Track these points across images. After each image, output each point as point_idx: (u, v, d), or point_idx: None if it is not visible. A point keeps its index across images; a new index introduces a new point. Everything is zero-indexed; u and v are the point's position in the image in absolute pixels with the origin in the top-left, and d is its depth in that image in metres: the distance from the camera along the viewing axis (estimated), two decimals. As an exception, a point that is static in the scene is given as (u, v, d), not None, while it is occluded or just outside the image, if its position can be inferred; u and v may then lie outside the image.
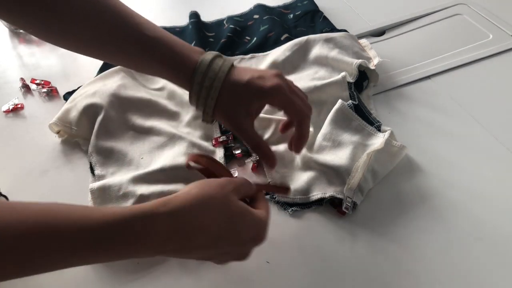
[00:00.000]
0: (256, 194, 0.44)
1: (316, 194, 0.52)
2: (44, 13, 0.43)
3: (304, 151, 0.54)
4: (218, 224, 0.37)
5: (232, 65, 0.46)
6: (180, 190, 0.39)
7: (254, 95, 0.45)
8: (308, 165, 0.55)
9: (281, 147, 0.57)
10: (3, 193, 0.54)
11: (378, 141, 0.55)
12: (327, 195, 0.51)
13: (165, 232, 0.35)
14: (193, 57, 0.45)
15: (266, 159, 0.48)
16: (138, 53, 0.46)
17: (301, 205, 0.52)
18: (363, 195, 0.52)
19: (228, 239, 0.38)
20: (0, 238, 0.30)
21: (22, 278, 0.36)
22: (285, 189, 0.50)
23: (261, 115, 0.59)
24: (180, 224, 0.36)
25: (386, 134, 0.55)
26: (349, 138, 0.55)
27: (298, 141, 0.49)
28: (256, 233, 0.40)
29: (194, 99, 0.46)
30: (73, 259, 0.34)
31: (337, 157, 0.53)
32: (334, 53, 0.65)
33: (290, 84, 0.47)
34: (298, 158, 0.55)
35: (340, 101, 0.58)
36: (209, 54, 0.46)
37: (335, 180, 0.52)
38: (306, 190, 0.53)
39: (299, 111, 0.47)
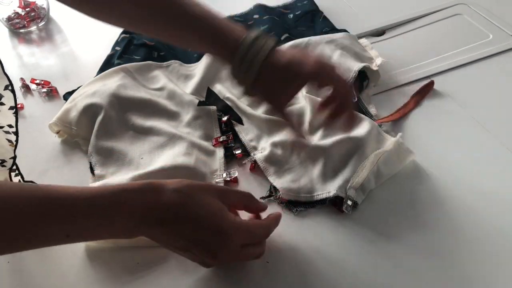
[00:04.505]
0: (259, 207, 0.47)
1: (320, 194, 0.52)
2: None
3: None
4: (179, 204, 0.41)
5: (274, 47, 0.48)
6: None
7: (291, 79, 0.48)
8: (314, 154, 0.55)
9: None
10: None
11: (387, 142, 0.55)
12: (331, 194, 0.51)
13: (149, 203, 0.40)
14: (236, 34, 0.48)
15: (297, 139, 0.54)
16: (184, 30, 0.49)
17: (306, 204, 0.52)
18: (365, 194, 0.52)
19: (187, 222, 0.41)
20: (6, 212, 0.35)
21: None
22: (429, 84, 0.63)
23: (266, 116, 0.60)
24: (158, 202, 0.40)
25: (398, 136, 0.55)
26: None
27: (332, 119, 0.51)
28: (216, 229, 0.41)
29: (235, 73, 0.49)
30: (69, 226, 0.38)
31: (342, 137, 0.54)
32: (336, 55, 0.65)
33: (329, 70, 0.48)
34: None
35: None
36: (253, 33, 0.48)
37: (340, 171, 0.52)
38: (311, 188, 0.52)
39: (336, 96, 0.49)
